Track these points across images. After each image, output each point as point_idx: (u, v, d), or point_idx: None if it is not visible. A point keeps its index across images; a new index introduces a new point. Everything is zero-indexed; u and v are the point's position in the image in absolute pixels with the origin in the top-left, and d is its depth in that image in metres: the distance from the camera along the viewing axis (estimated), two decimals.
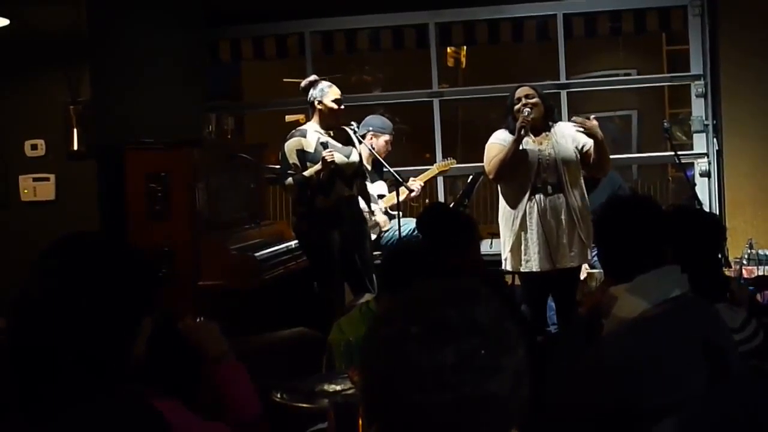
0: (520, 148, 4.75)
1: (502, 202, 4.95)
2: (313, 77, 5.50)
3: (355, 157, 5.45)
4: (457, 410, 1.19)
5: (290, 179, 5.27)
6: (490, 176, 4.91)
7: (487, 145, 4.91)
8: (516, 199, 4.84)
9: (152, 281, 1.76)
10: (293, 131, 5.38)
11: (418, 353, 1.20)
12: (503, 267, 4.93)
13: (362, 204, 5.68)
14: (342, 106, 5.41)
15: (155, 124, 5.43)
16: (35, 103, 5.48)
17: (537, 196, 4.79)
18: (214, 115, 6.83)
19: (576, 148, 4.84)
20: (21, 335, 1.63)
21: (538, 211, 4.77)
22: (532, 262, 4.80)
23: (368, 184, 5.89)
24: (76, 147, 5.40)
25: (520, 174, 4.79)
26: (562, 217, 4.79)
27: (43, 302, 1.62)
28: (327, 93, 5.37)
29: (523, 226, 4.80)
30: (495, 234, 5.10)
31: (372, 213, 5.86)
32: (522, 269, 4.85)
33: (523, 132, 4.71)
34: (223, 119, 7.07)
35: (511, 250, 4.86)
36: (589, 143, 4.82)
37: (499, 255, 4.97)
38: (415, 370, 1.20)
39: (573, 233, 4.80)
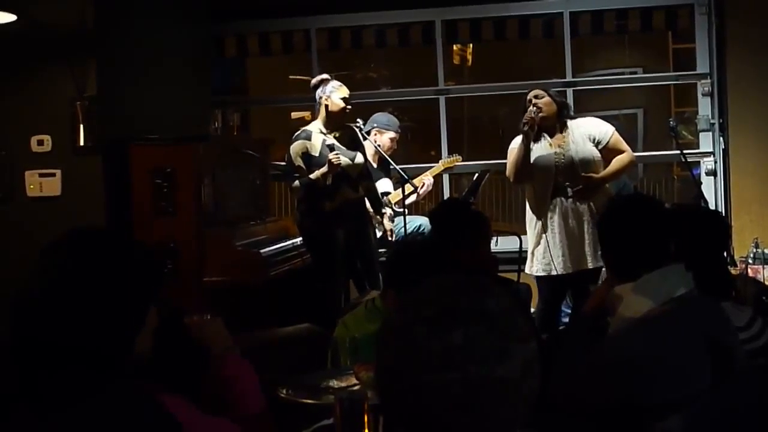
0: (540, 153, 4.73)
1: (527, 204, 4.95)
2: (324, 75, 5.51)
3: (360, 159, 5.46)
4: (465, 392, 1.21)
5: (297, 182, 5.30)
6: (510, 180, 4.92)
7: (508, 150, 4.93)
8: (538, 203, 4.84)
9: (156, 277, 1.76)
10: (298, 133, 5.39)
11: (427, 335, 1.23)
12: (527, 267, 4.94)
13: (370, 207, 5.66)
14: (349, 106, 5.41)
15: (161, 119, 5.43)
16: (41, 99, 5.47)
17: (557, 200, 4.77)
18: (220, 110, 6.83)
19: (594, 146, 4.82)
20: (24, 330, 1.62)
21: (559, 214, 4.75)
22: (553, 265, 4.78)
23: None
24: (82, 142, 5.39)
25: (539, 178, 4.79)
26: (585, 218, 4.76)
27: (46, 297, 1.62)
28: (336, 91, 5.39)
29: (545, 230, 4.79)
30: (501, 232, 5.11)
31: (382, 216, 5.79)
32: (543, 271, 4.83)
33: (526, 129, 4.69)
34: (228, 115, 7.07)
35: (534, 252, 4.85)
36: (605, 138, 4.80)
37: (504, 253, 4.97)
38: (424, 351, 1.23)
39: (595, 235, 4.78)
